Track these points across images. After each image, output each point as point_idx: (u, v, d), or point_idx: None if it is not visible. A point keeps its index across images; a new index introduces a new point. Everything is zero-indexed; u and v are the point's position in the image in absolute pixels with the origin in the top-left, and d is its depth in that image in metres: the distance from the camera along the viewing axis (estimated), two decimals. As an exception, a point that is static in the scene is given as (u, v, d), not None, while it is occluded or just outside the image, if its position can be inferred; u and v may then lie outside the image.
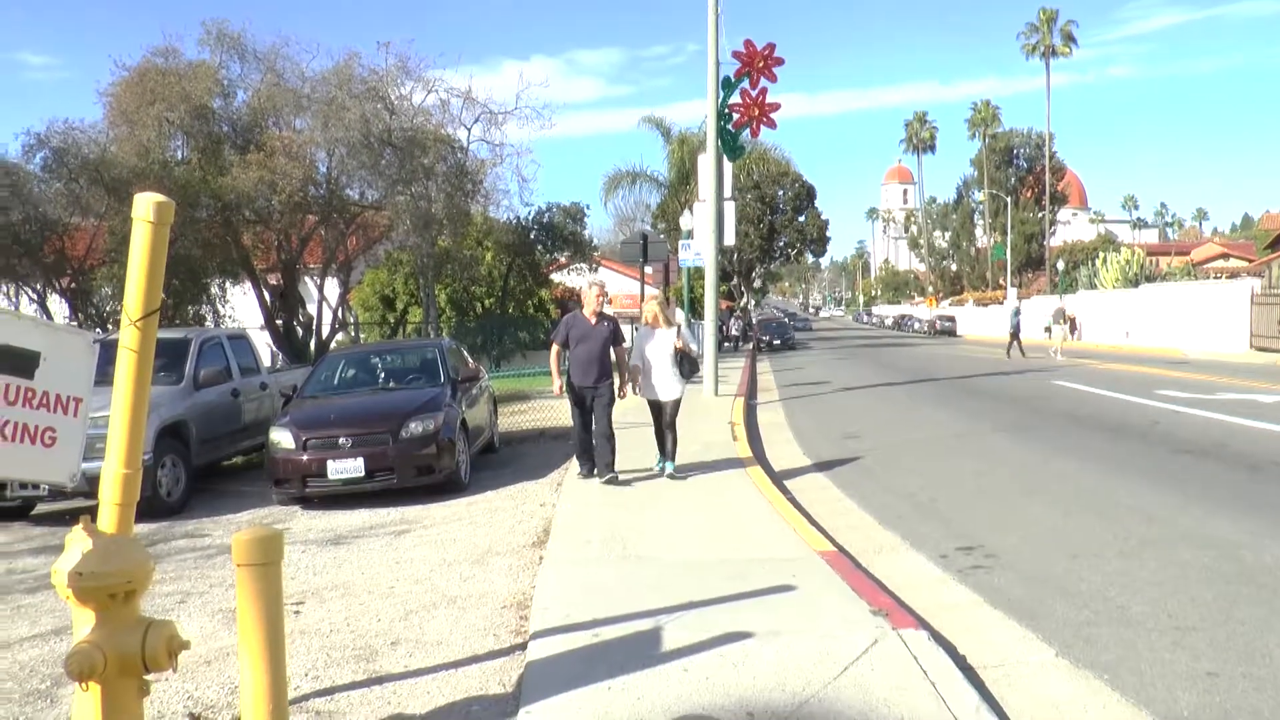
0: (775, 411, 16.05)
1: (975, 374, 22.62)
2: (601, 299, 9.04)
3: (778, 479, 9.35)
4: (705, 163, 17.50)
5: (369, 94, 18.58)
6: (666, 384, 9.03)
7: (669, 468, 9.12)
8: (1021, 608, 5.24)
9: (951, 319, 62.18)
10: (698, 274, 27.63)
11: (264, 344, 18.73)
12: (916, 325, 68.88)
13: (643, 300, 9.86)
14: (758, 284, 65.18)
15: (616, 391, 9.01)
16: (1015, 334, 30.29)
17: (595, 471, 8.93)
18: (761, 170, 46.24)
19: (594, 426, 8.91)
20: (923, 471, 9.73)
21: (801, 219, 52.55)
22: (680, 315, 29.53)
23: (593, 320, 8.98)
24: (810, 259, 69.98)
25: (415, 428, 9.03)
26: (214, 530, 8.31)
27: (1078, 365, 24.81)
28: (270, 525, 7.08)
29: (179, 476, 9.24)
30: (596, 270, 31.48)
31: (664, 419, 9.12)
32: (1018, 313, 31.52)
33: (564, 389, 9.08)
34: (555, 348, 9.21)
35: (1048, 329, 33.68)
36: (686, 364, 9.11)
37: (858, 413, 15.43)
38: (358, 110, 17.79)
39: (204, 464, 10.11)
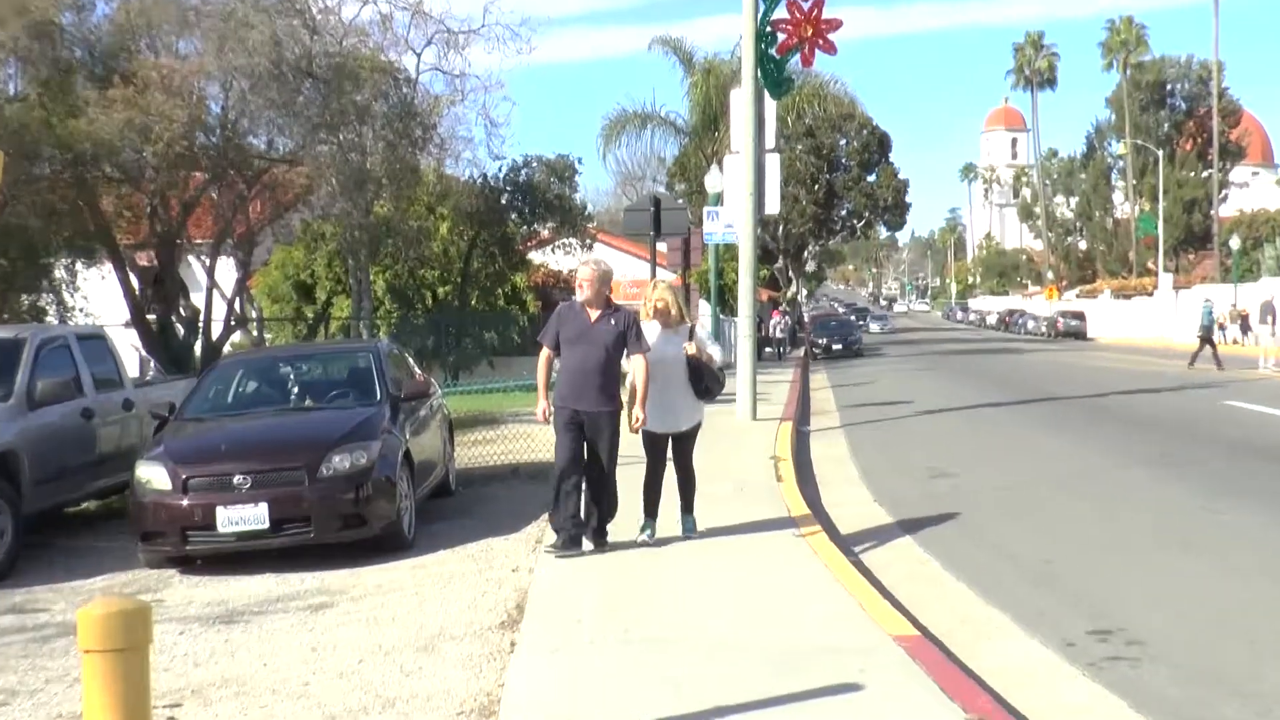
0: (835, 441, 16.04)
1: (1112, 390, 22.58)
2: (596, 284, 8.37)
3: (838, 535, 9.31)
4: (740, 101, 17.51)
5: (282, 7, 18.67)
6: (678, 408, 8.71)
7: (685, 523, 8.92)
8: (1180, 714, 5.18)
9: (1079, 315, 62.23)
10: (729, 253, 27.61)
11: (130, 346, 18.78)
12: (1030, 324, 69.00)
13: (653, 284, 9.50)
14: (811, 267, 65.21)
15: (629, 421, 8.49)
16: (1207, 337, 30.13)
17: (570, 540, 8.32)
18: (817, 112, 46.12)
19: (599, 466, 8.42)
20: (1038, 524, 9.68)
21: (871, 178, 52.70)
22: (705, 309, 29.50)
23: (592, 314, 8.44)
24: (884, 233, 70.34)
25: (340, 462, 8.97)
26: (54, 602, 8.25)
27: (1256, 379, 24.69)
28: (134, 595, 7.03)
29: (4, 528, 9.17)
30: (591, 247, 31.52)
31: (667, 457, 8.79)
32: (1209, 307, 31.35)
33: (549, 415, 8.54)
34: (545, 353, 8.68)
35: (1220, 325, 33.56)
36: (704, 379, 8.68)
37: (948, 443, 15.39)
38: (266, 28, 17.86)
39: (41, 510, 10.05)
